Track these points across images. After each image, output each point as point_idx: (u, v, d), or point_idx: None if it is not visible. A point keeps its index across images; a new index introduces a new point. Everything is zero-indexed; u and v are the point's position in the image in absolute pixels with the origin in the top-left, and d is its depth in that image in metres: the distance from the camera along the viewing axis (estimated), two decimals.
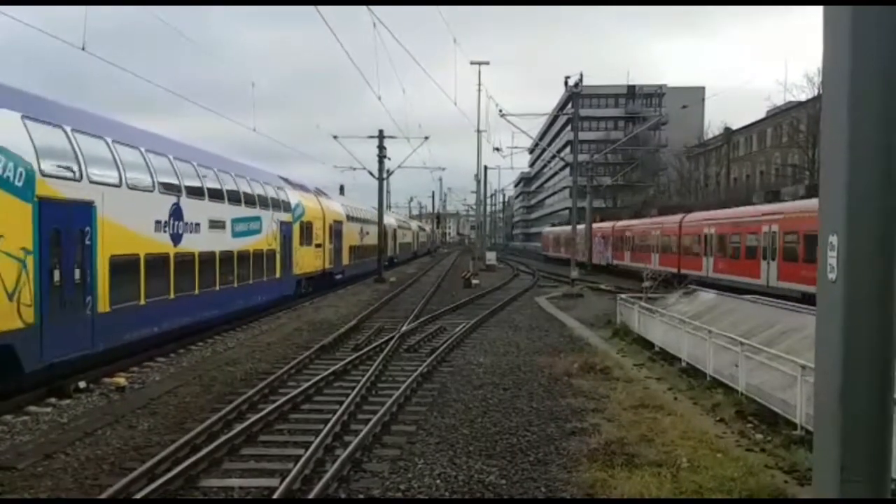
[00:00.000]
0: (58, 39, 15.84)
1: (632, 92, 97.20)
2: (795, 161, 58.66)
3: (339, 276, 35.76)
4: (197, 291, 17.39)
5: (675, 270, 33.86)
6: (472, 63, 49.67)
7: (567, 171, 68.74)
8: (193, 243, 17.18)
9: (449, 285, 37.97)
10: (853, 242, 3.10)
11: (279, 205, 25.10)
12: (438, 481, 7.92)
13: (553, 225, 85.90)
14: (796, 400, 9.66)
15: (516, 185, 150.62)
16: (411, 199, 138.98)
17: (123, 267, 13.81)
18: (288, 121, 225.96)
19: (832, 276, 3.19)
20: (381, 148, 42.18)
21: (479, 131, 51.58)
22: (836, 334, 3.15)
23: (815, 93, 50.52)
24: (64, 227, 11.93)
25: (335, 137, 42.60)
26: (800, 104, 56.99)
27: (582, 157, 47.45)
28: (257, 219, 22.34)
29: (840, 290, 3.13)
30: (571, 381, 13.15)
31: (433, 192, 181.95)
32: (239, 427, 9.49)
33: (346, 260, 37.50)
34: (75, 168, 12.48)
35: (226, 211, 19.70)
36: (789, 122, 59.73)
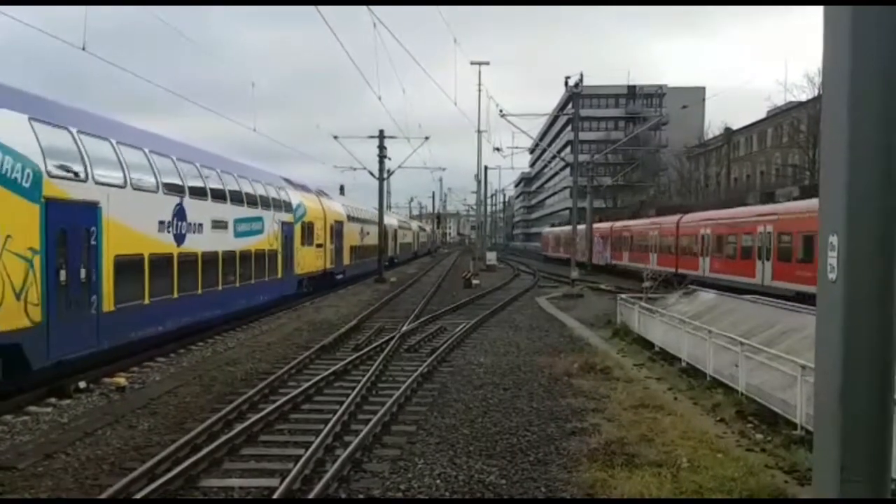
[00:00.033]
0: (58, 39, 15.88)
1: (632, 92, 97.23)
2: (796, 161, 58.66)
3: (339, 276, 35.86)
4: (200, 291, 17.51)
5: (672, 270, 34.00)
6: (472, 63, 49.72)
7: (567, 171, 68.66)
8: (196, 243, 17.32)
9: (449, 285, 37.97)
10: (853, 242, 3.10)
11: (281, 205, 25.25)
12: (438, 481, 7.92)
13: (552, 225, 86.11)
14: (796, 400, 9.66)
15: (516, 186, 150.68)
16: (412, 200, 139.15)
17: (128, 267, 13.97)
18: (288, 121, 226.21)
19: (832, 276, 3.19)
20: (382, 148, 42.19)
21: (479, 131, 51.66)
22: (836, 334, 3.15)
23: (816, 93, 50.52)
24: (70, 228, 12.08)
25: (335, 137, 42.64)
26: (800, 104, 57.00)
27: (582, 158, 47.43)
28: (259, 219, 22.45)
29: (840, 290, 3.13)
30: (571, 381, 13.15)
31: (433, 193, 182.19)
32: (239, 427, 9.49)
33: (346, 260, 37.60)
34: (81, 169, 12.65)
35: (228, 211, 19.81)
36: (789, 122, 59.74)
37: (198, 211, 17.46)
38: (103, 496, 7.09)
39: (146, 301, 14.79)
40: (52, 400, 11.53)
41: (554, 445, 9.22)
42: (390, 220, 55.73)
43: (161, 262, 15.46)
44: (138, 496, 7.10)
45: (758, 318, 15.07)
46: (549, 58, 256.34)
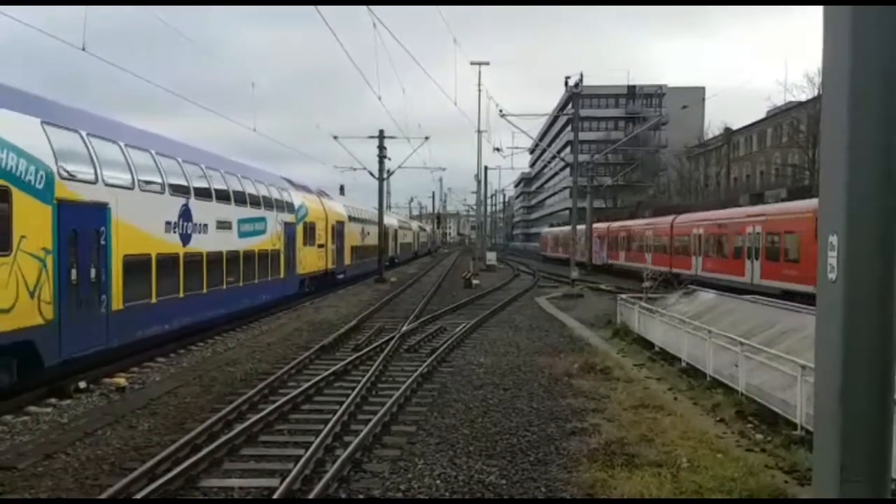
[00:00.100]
0: (58, 39, 15.94)
1: (632, 92, 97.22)
2: (795, 161, 58.67)
3: (341, 276, 36.06)
4: (205, 290, 17.77)
5: (667, 269, 34.28)
6: (472, 63, 49.74)
7: (567, 171, 68.66)
8: (202, 243, 17.58)
9: (449, 285, 37.97)
10: (853, 242, 3.10)
11: (283, 206, 25.51)
12: (438, 481, 7.92)
13: (551, 225, 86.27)
14: (796, 400, 9.66)
15: (516, 186, 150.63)
16: (412, 200, 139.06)
17: (136, 266, 14.25)
18: (288, 121, 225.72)
19: (832, 276, 3.19)
20: (382, 148, 42.20)
21: (479, 131, 51.69)
22: (836, 334, 3.15)
23: (815, 93, 50.52)
24: (81, 228, 12.37)
25: (335, 137, 42.67)
26: (800, 104, 56.99)
27: (582, 158, 47.44)
28: (262, 219, 22.70)
29: (840, 290, 3.13)
30: (571, 382, 13.15)
31: (433, 193, 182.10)
32: (239, 427, 9.49)
33: (347, 260, 37.80)
34: (91, 171, 12.94)
35: (232, 212, 20.05)
36: (789, 122, 59.75)
37: (203, 212, 17.71)
38: (103, 496, 7.09)
39: (153, 300, 15.06)
40: (52, 400, 11.53)
41: (554, 445, 9.22)
42: (390, 220, 55.77)
43: (167, 262, 15.74)
44: (138, 496, 7.10)
45: (758, 318, 15.07)
46: (549, 58, 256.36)
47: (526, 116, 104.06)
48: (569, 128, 76.91)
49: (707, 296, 20.08)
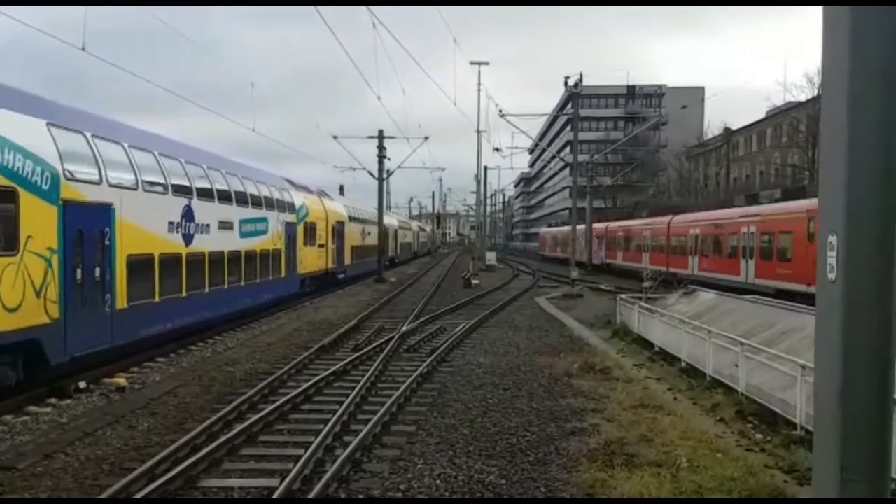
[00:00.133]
0: (58, 39, 15.98)
1: (632, 92, 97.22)
2: (795, 161, 58.68)
3: (341, 276, 36.20)
4: (207, 290, 17.92)
5: (664, 269, 34.47)
6: (471, 63, 49.73)
7: (567, 171, 68.72)
8: (204, 243, 17.75)
9: (449, 285, 37.97)
10: (853, 242, 3.10)
11: (284, 206, 25.69)
12: (438, 481, 7.92)
13: (550, 225, 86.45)
14: (796, 400, 9.66)
15: (516, 186, 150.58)
16: (411, 200, 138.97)
17: (139, 266, 14.42)
18: (288, 121, 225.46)
19: (832, 275, 3.19)
20: (381, 148, 42.19)
21: (478, 131, 51.69)
22: (835, 334, 3.15)
23: (815, 93, 50.56)
24: (85, 229, 12.54)
25: (335, 137, 42.65)
26: (799, 104, 57.02)
27: (582, 158, 47.48)
28: (264, 220, 22.87)
29: (840, 290, 3.13)
30: (571, 382, 13.15)
31: (433, 193, 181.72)
32: (239, 427, 9.48)
33: (348, 260, 37.93)
34: (95, 172, 13.11)
35: (234, 212, 20.21)
36: (789, 122, 59.77)
37: (205, 212, 17.88)
38: (103, 496, 7.09)
39: (156, 299, 15.22)
40: (52, 400, 11.53)
41: (553, 445, 9.22)
42: (390, 220, 55.79)
43: (170, 262, 15.93)
44: (138, 496, 7.10)
45: (758, 318, 15.07)
46: (549, 58, 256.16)
47: (526, 116, 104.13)
48: (568, 128, 76.93)
49: (707, 296, 20.09)
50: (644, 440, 9.22)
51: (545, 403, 11.55)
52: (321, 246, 31.57)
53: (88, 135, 13.23)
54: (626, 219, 49.85)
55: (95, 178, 13.04)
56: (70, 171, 12.12)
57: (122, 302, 13.64)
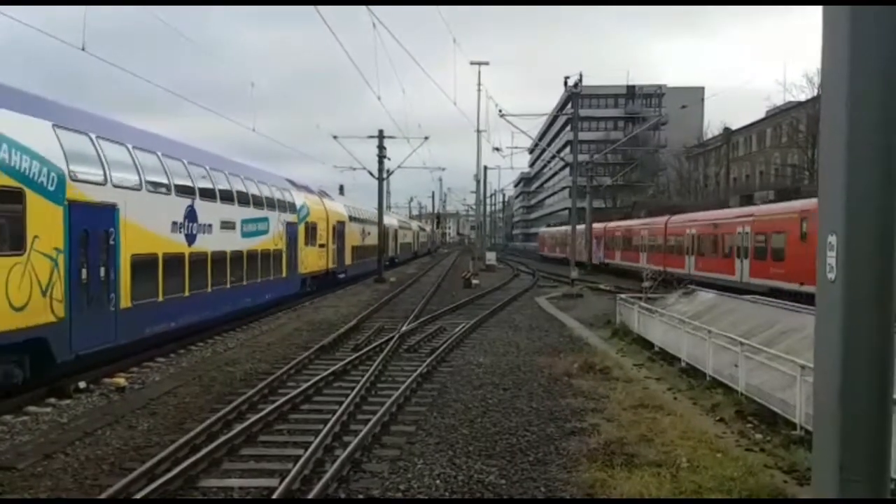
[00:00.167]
0: (57, 39, 16.02)
1: (631, 92, 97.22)
2: (795, 161, 58.69)
3: (342, 276, 36.32)
4: (209, 289, 18.10)
5: (660, 268, 34.62)
6: (471, 63, 49.77)
7: (567, 171, 68.73)
8: (206, 243, 17.93)
9: (449, 285, 37.97)
10: (852, 242, 3.10)
11: (285, 206, 25.86)
12: (438, 481, 7.92)
13: (548, 225, 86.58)
14: (796, 400, 9.66)
15: (516, 185, 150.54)
16: (411, 199, 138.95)
17: (143, 266, 14.59)
18: (288, 121, 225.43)
19: (831, 275, 3.19)
20: (381, 148, 42.19)
21: (478, 131, 51.73)
22: (835, 334, 3.15)
23: (815, 93, 50.57)
24: (91, 228, 12.72)
25: (335, 137, 42.67)
26: (799, 104, 57.02)
27: (582, 158, 47.48)
28: (265, 220, 23.04)
29: (839, 290, 3.13)
30: (571, 381, 13.15)
31: (433, 193, 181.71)
32: (238, 427, 9.49)
33: (348, 260, 38.05)
34: (100, 173, 13.29)
35: (236, 212, 20.38)
36: (789, 122, 59.78)
37: (207, 212, 18.05)
38: (103, 496, 7.09)
39: (160, 298, 15.38)
40: (52, 400, 11.54)
41: (553, 445, 9.22)
42: (390, 220, 55.81)
43: (173, 262, 16.09)
44: (138, 496, 7.10)
45: (757, 318, 15.07)
46: (549, 58, 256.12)
47: (525, 116, 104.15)
48: (568, 127, 76.97)
49: (707, 296, 20.09)
50: (644, 440, 9.22)
51: (545, 403, 11.55)
52: (322, 246, 31.70)
53: (93, 136, 13.41)
54: (624, 219, 50.19)
55: (100, 178, 13.21)
56: (75, 172, 12.30)
57: (126, 301, 13.80)
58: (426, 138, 44.73)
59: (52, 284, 11.50)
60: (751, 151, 71.01)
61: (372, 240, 44.24)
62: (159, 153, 16.18)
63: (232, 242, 19.90)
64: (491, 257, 58.44)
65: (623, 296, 21.67)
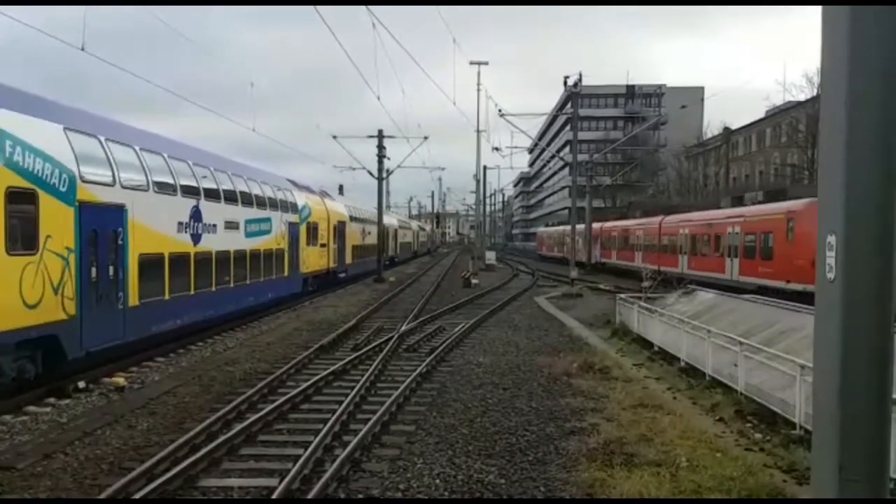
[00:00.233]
0: (57, 39, 16.08)
1: (631, 92, 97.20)
2: (794, 161, 58.67)
3: (342, 275, 36.49)
4: (214, 288, 18.43)
5: (655, 267, 34.83)
6: (471, 63, 49.74)
7: (566, 170, 68.74)
8: (211, 243, 18.25)
9: (448, 285, 37.97)
10: (852, 242, 3.10)
11: (287, 206, 26.15)
12: (438, 481, 7.92)
13: (547, 225, 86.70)
14: (795, 399, 9.67)
15: (516, 185, 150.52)
16: (411, 199, 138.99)
17: (150, 265, 14.91)
18: (288, 121, 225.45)
19: (831, 275, 3.19)
20: (381, 148, 42.18)
21: (478, 131, 51.73)
22: (834, 334, 3.15)
23: (815, 93, 50.55)
24: (100, 228, 13.04)
25: (335, 137, 42.67)
26: (799, 104, 56.98)
27: (581, 157, 47.48)
28: (268, 220, 23.34)
29: (839, 290, 3.13)
30: (570, 381, 13.15)
31: (433, 192, 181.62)
32: (238, 427, 9.48)
33: (349, 259, 38.29)
34: (109, 174, 13.59)
35: (239, 212, 20.68)
36: (788, 122, 59.74)
37: (212, 212, 18.36)
38: (102, 496, 7.09)
39: (166, 297, 15.71)
40: (52, 400, 11.53)
41: (553, 445, 9.22)
42: (390, 219, 55.83)
43: (179, 261, 16.43)
44: (137, 496, 7.09)
45: (757, 318, 15.07)
46: (549, 58, 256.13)
47: (525, 116, 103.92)
48: (568, 127, 76.95)
49: (706, 295, 20.10)
50: (643, 440, 9.22)
51: (544, 403, 11.55)
52: (323, 245, 31.94)
53: (102, 138, 13.69)
54: (620, 219, 50.80)
55: (109, 180, 13.51)
56: (85, 174, 12.63)
57: (134, 299, 14.12)
58: (426, 138, 44.77)
59: (63, 283, 11.81)
60: (750, 151, 70.98)
61: (372, 239, 44.31)
62: (165, 155, 16.47)
63: (236, 242, 20.18)
64: (490, 257, 58.44)
65: (623, 295, 21.67)
